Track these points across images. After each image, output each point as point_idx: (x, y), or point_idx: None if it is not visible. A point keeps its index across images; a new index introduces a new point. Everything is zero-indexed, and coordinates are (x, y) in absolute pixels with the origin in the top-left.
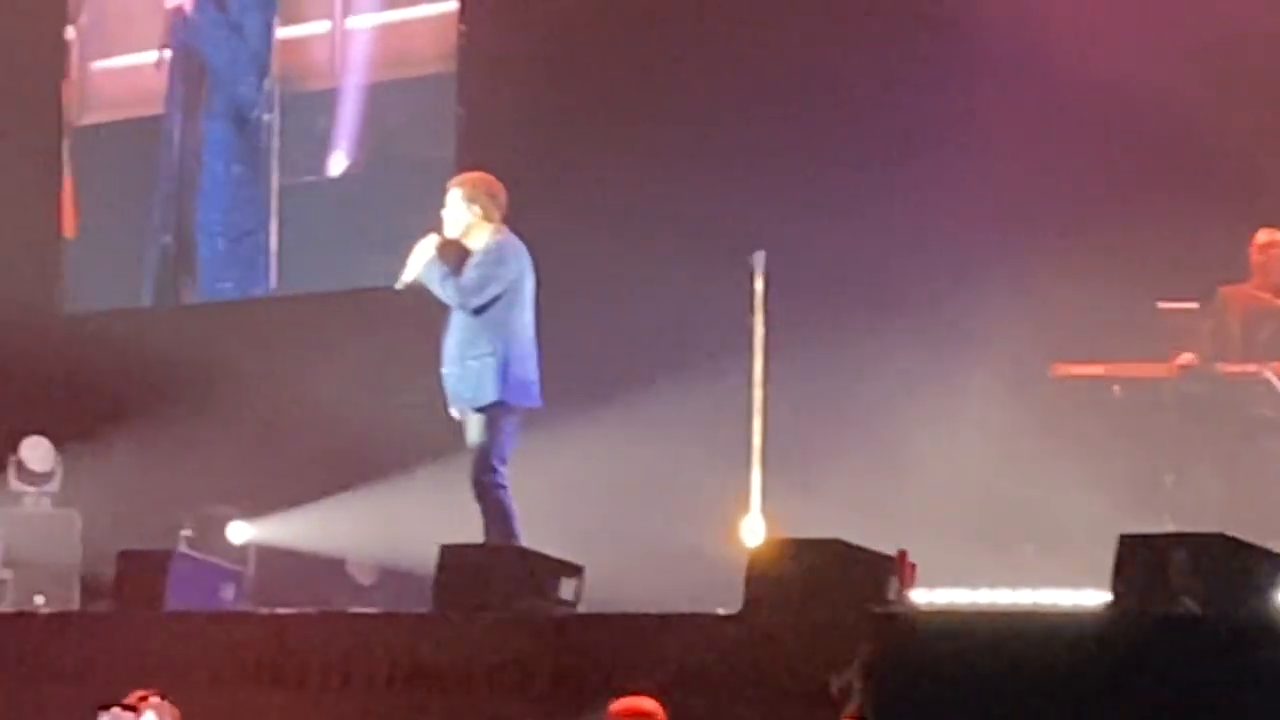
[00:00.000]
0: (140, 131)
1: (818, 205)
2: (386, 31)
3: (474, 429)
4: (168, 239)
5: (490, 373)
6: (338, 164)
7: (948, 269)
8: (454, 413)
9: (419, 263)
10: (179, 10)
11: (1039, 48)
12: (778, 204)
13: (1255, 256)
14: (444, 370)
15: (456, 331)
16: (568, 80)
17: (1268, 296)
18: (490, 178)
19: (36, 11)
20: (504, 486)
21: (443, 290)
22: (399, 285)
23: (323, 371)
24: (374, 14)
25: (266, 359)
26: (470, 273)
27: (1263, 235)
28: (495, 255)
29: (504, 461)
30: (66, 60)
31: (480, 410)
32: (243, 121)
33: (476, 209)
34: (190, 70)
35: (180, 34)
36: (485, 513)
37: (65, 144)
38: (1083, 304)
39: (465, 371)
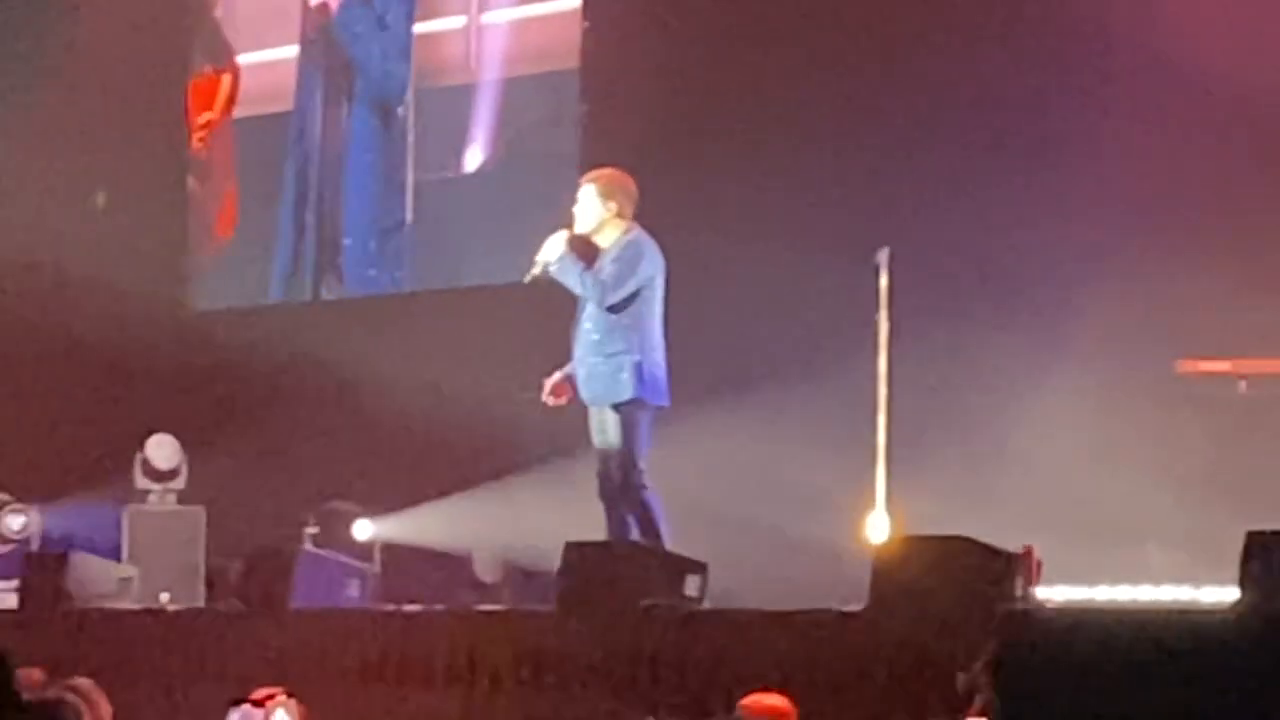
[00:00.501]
0: (267, 128)
1: (943, 202)
2: (519, 27)
3: (610, 428)
4: (309, 235)
5: (627, 371)
6: (472, 159)
7: (1073, 264)
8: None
9: (550, 258)
10: (323, 5)
11: (1169, 41)
12: (903, 200)
13: None
14: (576, 365)
15: (590, 327)
16: (690, 76)
17: None
18: (625, 174)
19: (169, 10)
20: (648, 486)
21: (580, 286)
22: (527, 279)
23: (449, 367)
24: (508, 9)
25: (393, 355)
26: (608, 269)
27: None
28: (633, 252)
29: (643, 460)
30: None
31: (616, 408)
32: (387, 116)
33: (612, 205)
34: (333, 64)
35: (322, 28)
36: (630, 513)
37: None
38: (1208, 300)
39: (600, 368)
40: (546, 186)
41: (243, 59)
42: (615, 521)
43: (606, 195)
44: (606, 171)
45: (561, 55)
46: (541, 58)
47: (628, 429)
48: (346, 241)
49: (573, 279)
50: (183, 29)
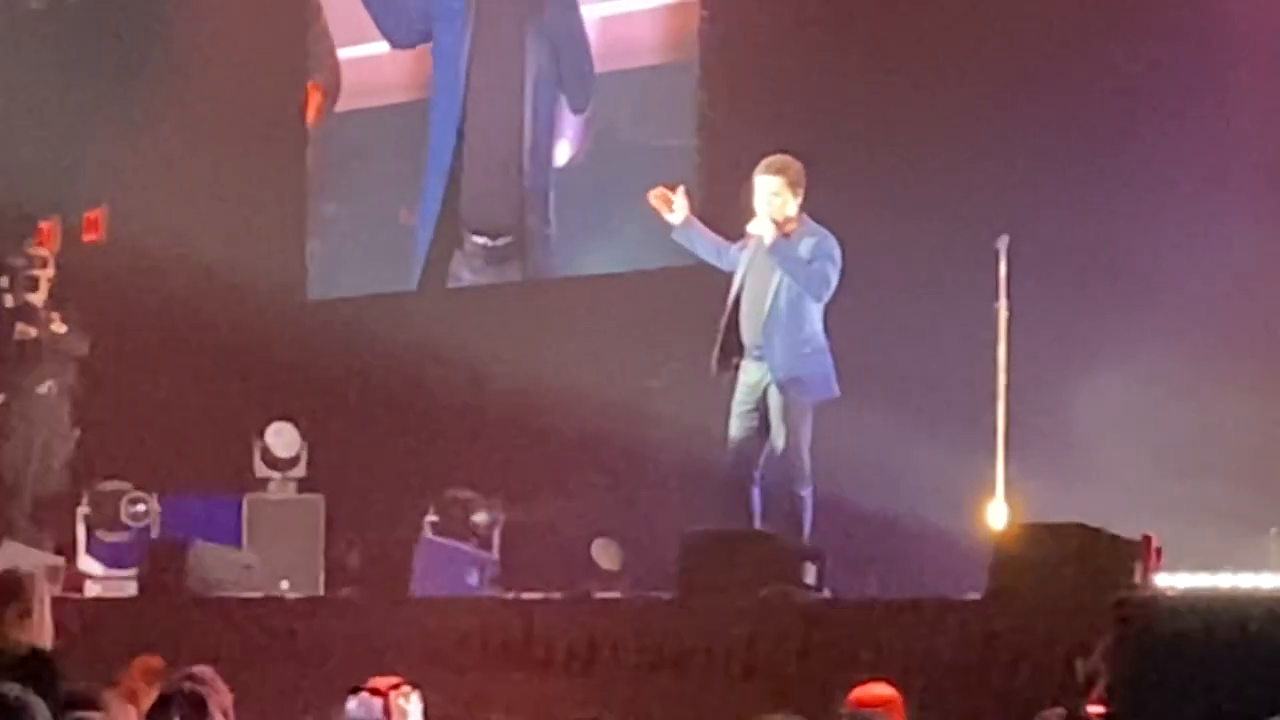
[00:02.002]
0: (383, 119)
1: (1063, 190)
2: (608, 23)
3: (777, 413)
4: (444, 225)
5: (825, 360)
6: (561, 154)
7: (1192, 252)
8: (773, 392)
9: (760, 231)
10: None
11: None
12: (1024, 188)
13: None
14: (753, 353)
15: (782, 315)
16: (807, 67)
17: None
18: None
19: (289, 7)
20: (808, 479)
21: (806, 279)
22: (744, 252)
23: (570, 356)
24: (599, 4)
25: (513, 344)
26: (818, 265)
27: None
28: (832, 245)
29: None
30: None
31: (810, 390)
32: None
33: (801, 196)
34: (485, 55)
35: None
36: (776, 502)
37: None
38: None
39: (802, 350)
40: (652, 179)
41: (342, 54)
42: (748, 508)
43: (796, 185)
44: (787, 160)
45: (668, 48)
46: (643, 51)
47: (801, 420)
48: (469, 231)
49: (793, 265)
50: (302, 23)
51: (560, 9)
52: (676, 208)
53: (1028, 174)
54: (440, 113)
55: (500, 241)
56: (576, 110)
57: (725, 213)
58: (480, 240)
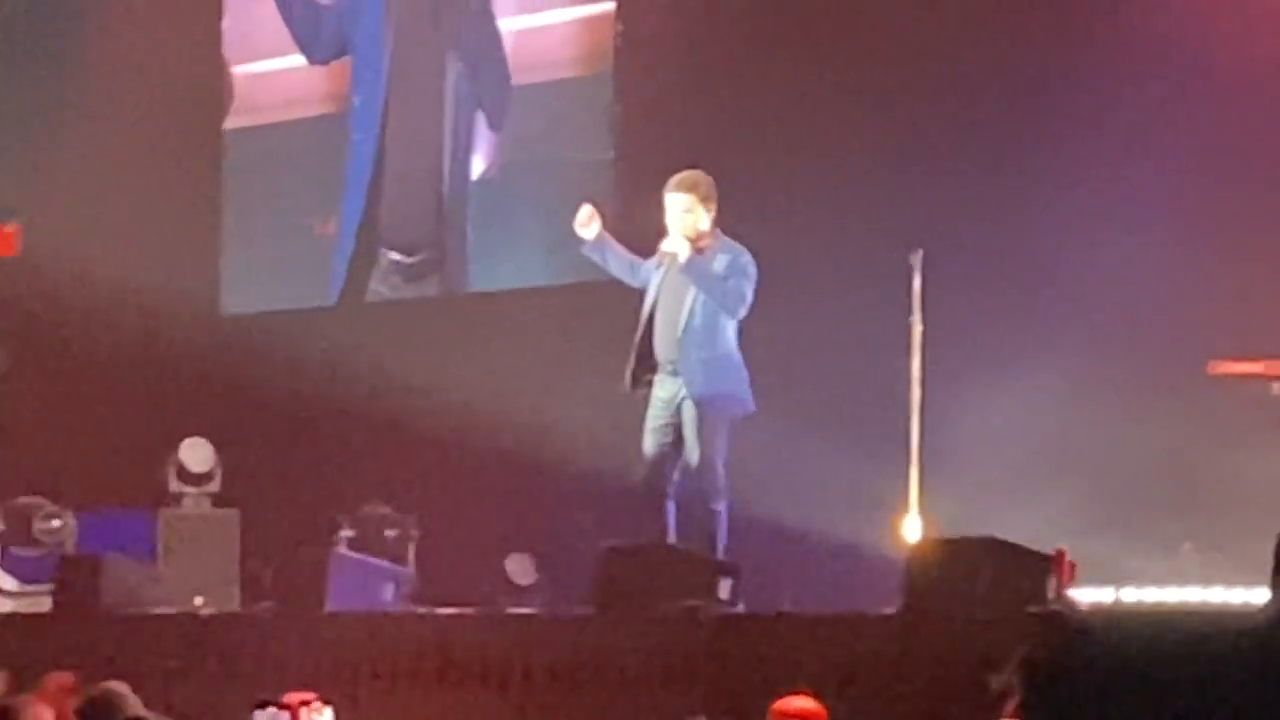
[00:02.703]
0: (296, 133)
1: (976, 204)
2: (524, 36)
3: (692, 426)
4: (362, 239)
5: (741, 375)
6: (476, 168)
7: (1105, 265)
8: (688, 406)
9: (674, 249)
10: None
11: (1202, 41)
12: (937, 203)
13: None
14: (668, 361)
15: (700, 323)
16: (725, 81)
17: None
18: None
19: (191, 15)
20: (723, 492)
21: (722, 296)
22: (660, 269)
23: (484, 371)
24: (515, 17)
25: (428, 359)
26: (734, 282)
27: None
28: (746, 261)
29: (722, 463)
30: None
31: (711, 404)
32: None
33: (713, 210)
34: (399, 72)
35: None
36: (691, 516)
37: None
38: (1240, 301)
39: (715, 363)
40: (567, 193)
41: (255, 67)
42: (662, 523)
43: (709, 200)
44: (698, 176)
45: (582, 60)
46: (557, 64)
47: (715, 435)
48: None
49: (708, 283)
50: (215, 30)
51: (478, 26)
52: (589, 223)
53: (942, 189)
54: (359, 128)
55: (416, 258)
56: (494, 127)
57: (641, 226)
58: (396, 257)
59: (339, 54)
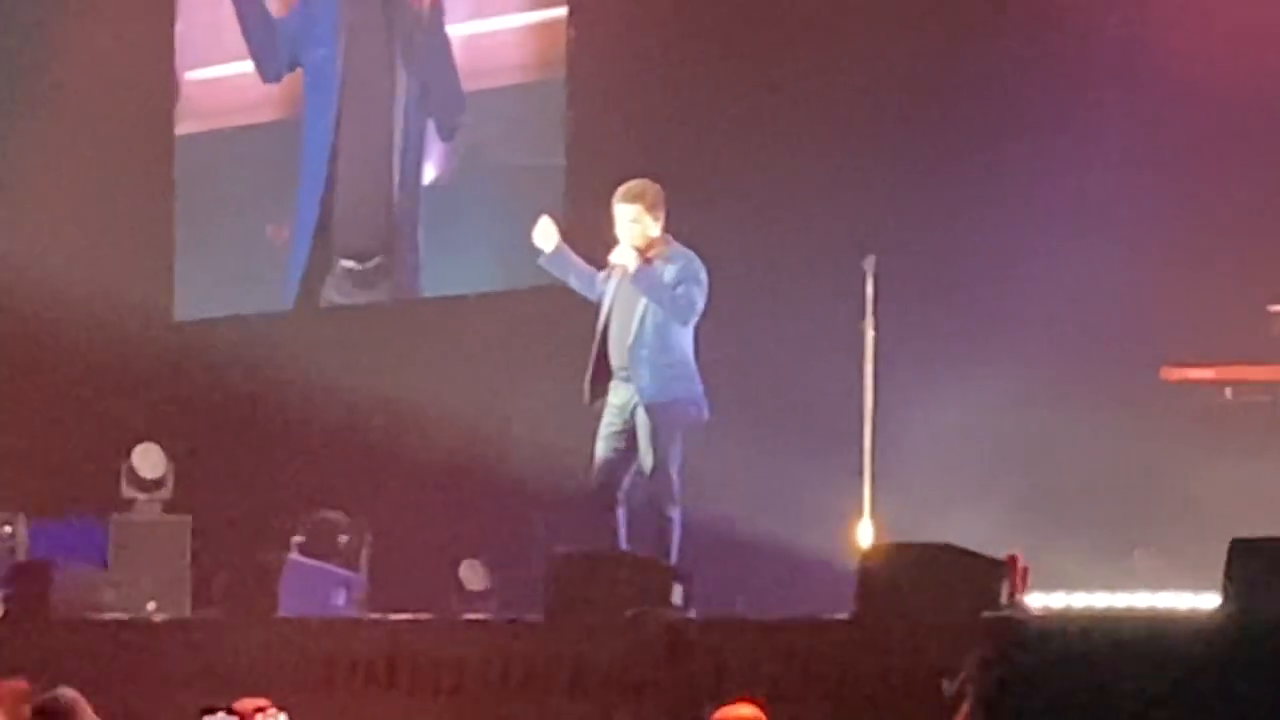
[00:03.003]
0: (250, 138)
1: (929, 210)
2: (475, 41)
3: (646, 434)
4: (317, 245)
5: (694, 382)
6: (428, 174)
7: (1058, 271)
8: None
9: (623, 260)
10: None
11: (1154, 48)
12: (890, 208)
13: None
14: (620, 374)
15: (651, 332)
16: (676, 85)
17: None
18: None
19: (144, 21)
20: (677, 500)
21: (671, 304)
22: (610, 284)
23: (438, 376)
24: (467, 23)
25: (381, 365)
26: (683, 289)
27: None
28: (697, 268)
29: (677, 470)
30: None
31: (680, 411)
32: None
33: (661, 218)
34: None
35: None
36: (645, 523)
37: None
38: (1193, 307)
39: (667, 370)
40: (523, 197)
41: (207, 72)
42: (615, 529)
43: (654, 211)
44: (644, 185)
45: (536, 66)
46: (510, 69)
47: (669, 442)
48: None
49: (658, 293)
50: (166, 34)
51: (428, 36)
52: (547, 235)
53: (895, 195)
54: (312, 135)
55: (369, 264)
56: (445, 137)
57: (593, 232)
58: (349, 263)
59: (292, 67)
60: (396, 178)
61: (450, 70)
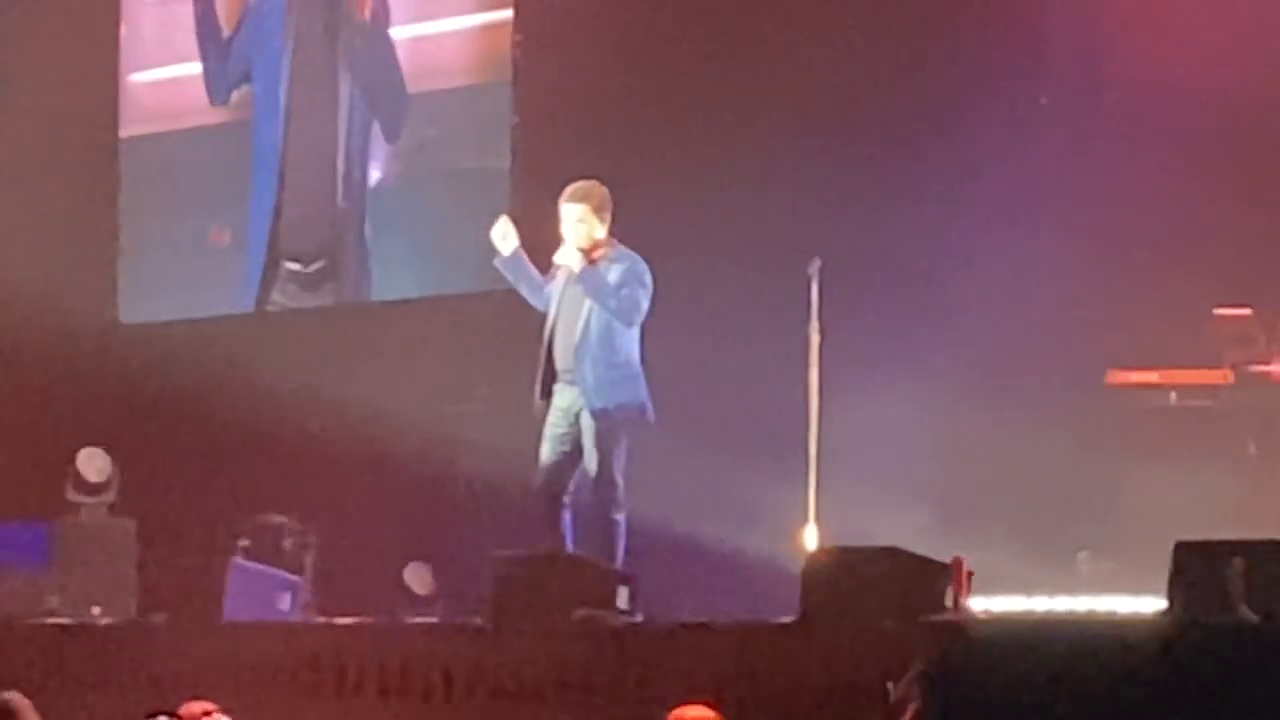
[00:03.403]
0: (196, 140)
1: (874, 214)
2: (420, 44)
3: (590, 438)
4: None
5: (639, 385)
6: (373, 176)
7: (1003, 275)
8: (586, 416)
9: (567, 261)
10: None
11: (1099, 51)
12: (835, 212)
13: None
14: (565, 377)
15: (596, 337)
16: (623, 90)
17: None
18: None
19: (90, 23)
20: (621, 503)
21: (616, 303)
22: (555, 293)
23: (382, 380)
24: (412, 26)
25: (326, 368)
26: (627, 290)
27: None
28: (642, 269)
29: (620, 474)
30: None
31: (624, 416)
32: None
33: (607, 220)
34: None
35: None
36: (589, 527)
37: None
38: (1138, 310)
39: (612, 375)
40: (466, 201)
41: (152, 75)
42: (561, 532)
43: (600, 212)
44: (591, 186)
45: (480, 69)
46: (454, 72)
47: (614, 444)
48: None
49: (603, 294)
50: (111, 37)
51: (371, 40)
52: (506, 237)
53: (840, 199)
54: (258, 138)
55: (313, 267)
56: (390, 139)
57: (540, 235)
58: (294, 266)
59: (241, 84)
60: (341, 181)
61: (395, 72)
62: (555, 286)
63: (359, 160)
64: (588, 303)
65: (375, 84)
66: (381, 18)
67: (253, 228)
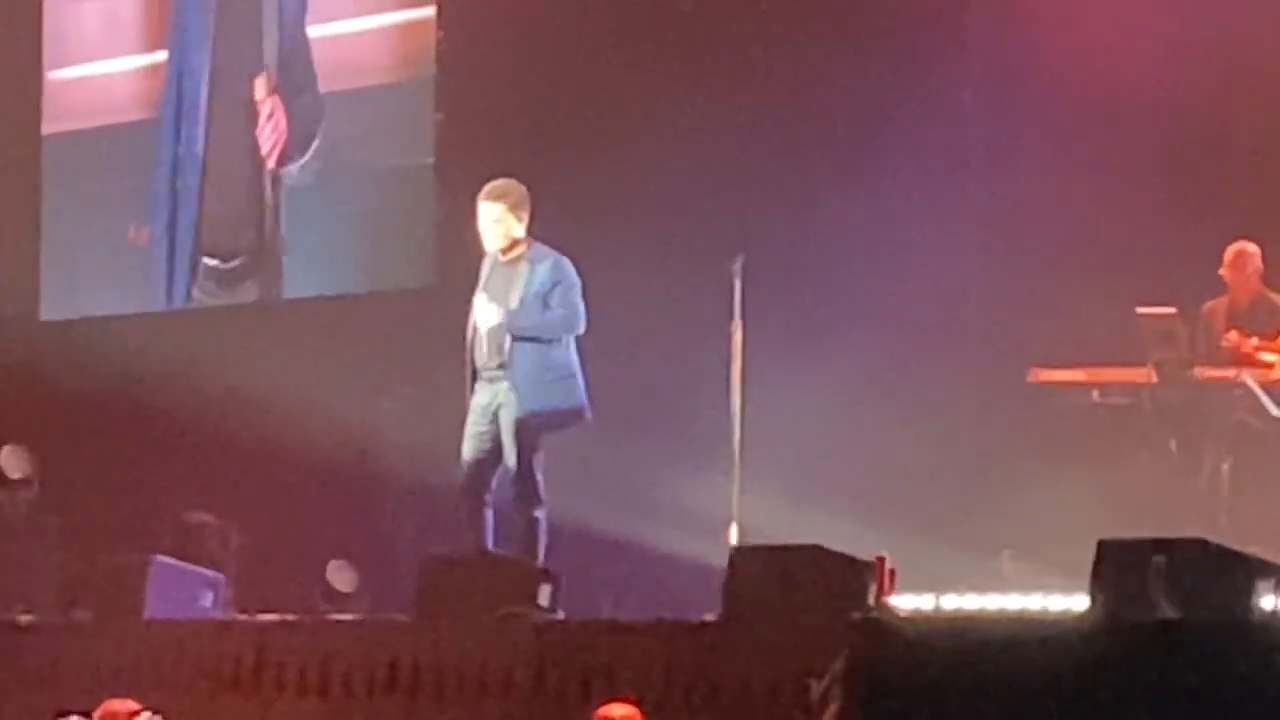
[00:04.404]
0: (115, 137)
1: (796, 210)
2: (342, 41)
3: (511, 436)
4: (181, 245)
5: (576, 380)
6: (292, 175)
7: (926, 273)
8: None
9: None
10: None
11: (1025, 50)
12: (757, 209)
13: (1226, 271)
14: (484, 375)
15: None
16: (547, 87)
17: (1243, 307)
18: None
19: (11, 20)
20: (544, 501)
21: (549, 331)
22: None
23: (307, 378)
24: (332, 24)
25: (249, 365)
26: (558, 295)
27: (1230, 252)
28: (568, 269)
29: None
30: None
31: (559, 419)
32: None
33: (525, 220)
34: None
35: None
36: (512, 526)
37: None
38: (1062, 309)
39: (546, 376)
40: (383, 197)
41: (73, 71)
42: (481, 530)
43: (517, 210)
44: (508, 185)
45: (399, 66)
46: (371, 70)
47: (534, 442)
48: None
49: (539, 328)
50: (32, 34)
51: (289, 44)
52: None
53: (762, 196)
54: (180, 134)
55: (232, 264)
56: (303, 144)
57: (463, 231)
58: (212, 262)
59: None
60: (258, 178)
61: (309, 75)
62: (480, 286)
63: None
64: (513, 298)
65: (290, 85)
66: (300, 16)
67: (162, 223)
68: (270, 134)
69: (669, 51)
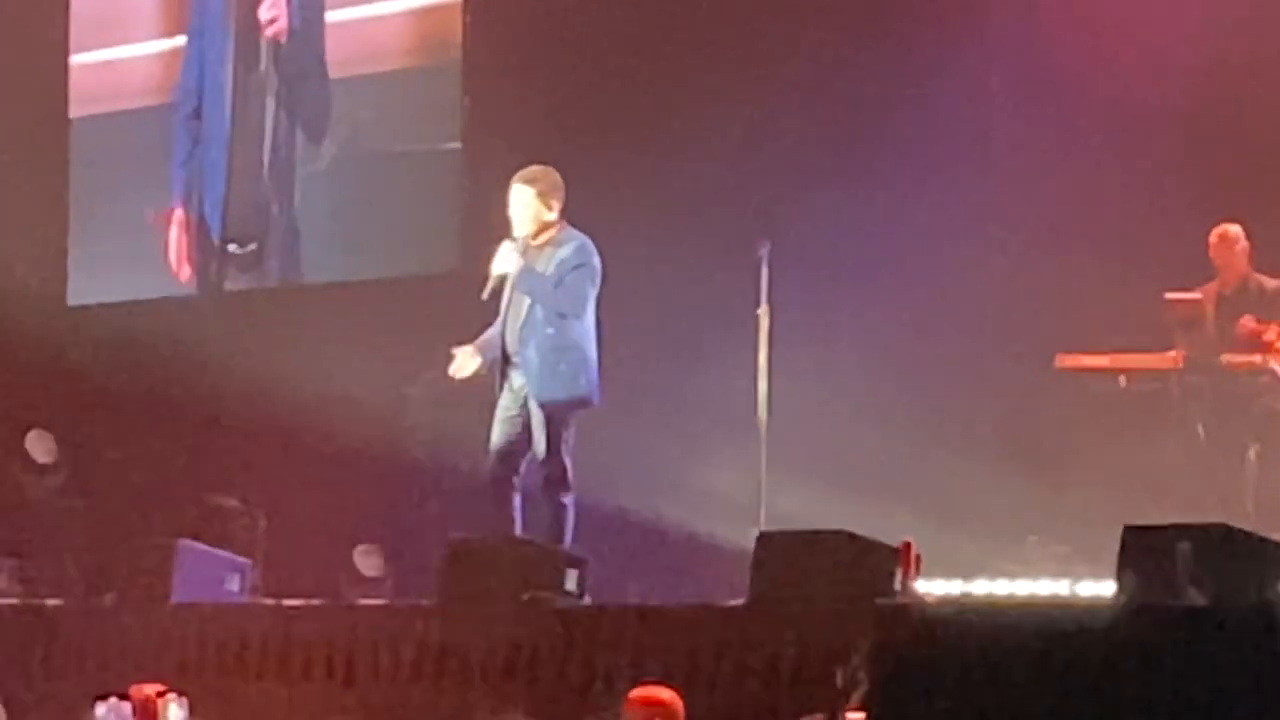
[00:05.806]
0: (142, 121)
1: (824, 196)
2: (365, 25)
3: (539, 425)
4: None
5: (587, 369)
6: (314, 158)
7: (952, 259)
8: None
9: (508, 270)
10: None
11: (1049, 39)
12: (785, 194)
13: (1213, 254)
14: (521, 356)
15: (543, 319)
16: (571, 71)
17: (1231, 290)
18: (553, 170)
19: (39, 3)
20: (572, 489)
21: (553, 301)
22: (485, 295)
23: (334, 361)
24: (349, 8)
25: (276, 350)
26: (571, 277)
27: (1214, 235)
28: (589, 255)
29: (570, 460)
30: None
31: (556, 405)
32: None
33: (555, 206)
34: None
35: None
36: (541, 512)
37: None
38: (1089, 295)
39: (558, 365)
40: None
41: (101, 55)
42: (510, 514)
43: (549, 195)
44: (541, 171)
45: (427, 51)
46: (399, 54)
47: (563, 428)
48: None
49: (542, 293)
50: (58, 18)
51: (300, 38)
52: (467, 366)
53: (791, 182)
54: (202, 120)
55: (248, 248)
56: (314, 140)
57: (489, 216)
58: (231, 248)
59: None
60: (267, 163)
61: (319, 71)
62: (508, 271)
63: (287, 141)
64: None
65: (297, 80)
66: (315, 9)
67: (185, 207)
68: (270, 8)
69: (696, 37)
